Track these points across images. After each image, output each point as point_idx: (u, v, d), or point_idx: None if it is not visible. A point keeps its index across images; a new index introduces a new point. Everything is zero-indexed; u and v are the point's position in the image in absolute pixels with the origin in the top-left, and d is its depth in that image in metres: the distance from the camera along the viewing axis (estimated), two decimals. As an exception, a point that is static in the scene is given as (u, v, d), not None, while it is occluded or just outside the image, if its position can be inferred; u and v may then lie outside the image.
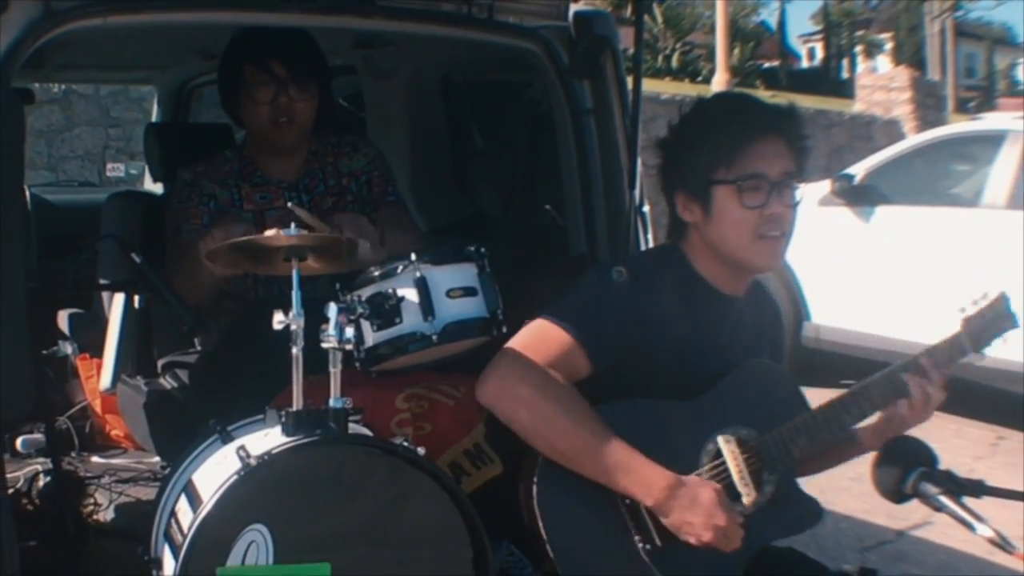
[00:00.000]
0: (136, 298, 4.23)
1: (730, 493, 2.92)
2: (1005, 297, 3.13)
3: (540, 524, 2.84)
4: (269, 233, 3.01)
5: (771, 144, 2.95)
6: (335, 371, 2.84)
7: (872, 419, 3.11)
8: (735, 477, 2.93)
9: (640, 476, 2.78)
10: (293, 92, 3.93)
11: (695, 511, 2.77)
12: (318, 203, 4.04)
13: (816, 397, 3.11)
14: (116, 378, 4.27)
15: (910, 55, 46.32)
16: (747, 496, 2.93)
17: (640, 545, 2.86)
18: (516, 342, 2.90)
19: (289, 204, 3.64)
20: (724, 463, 2.93)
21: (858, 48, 55.45)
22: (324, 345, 2.86)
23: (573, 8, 4.13)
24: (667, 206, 3.11)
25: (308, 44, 4.04)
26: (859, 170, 10.39)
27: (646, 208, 4.23)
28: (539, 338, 2.88)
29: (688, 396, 2.98)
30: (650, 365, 2.97)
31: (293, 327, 2.83)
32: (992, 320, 3.11)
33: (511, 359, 2.84)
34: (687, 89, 21.26)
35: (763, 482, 2.97)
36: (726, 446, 2.94)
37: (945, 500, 2.66)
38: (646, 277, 3.02)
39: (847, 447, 3.20)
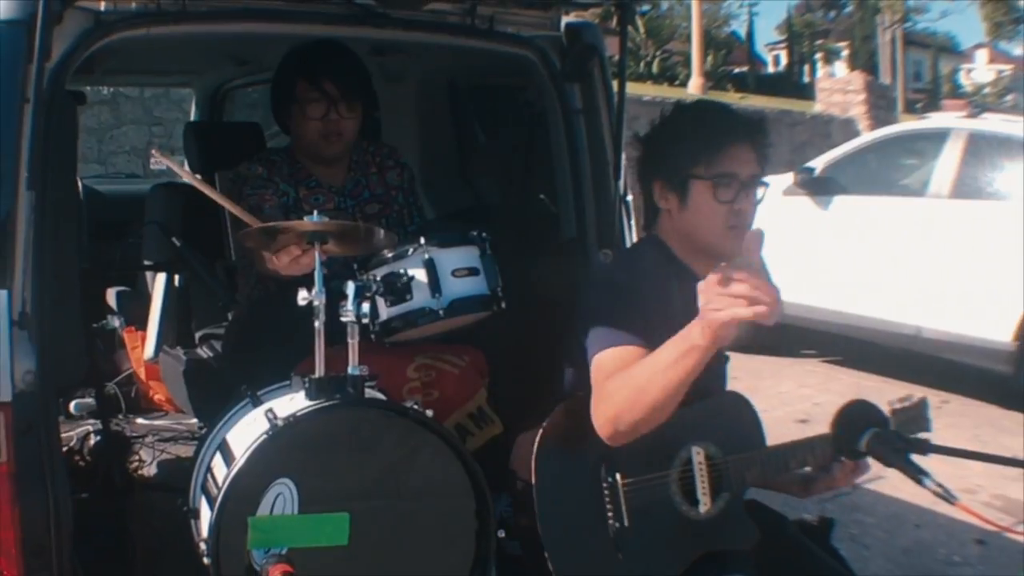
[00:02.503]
0: (176, 277, 4.22)
1: (690, 498, 2.95)
2: (925, 402, 3.11)
3: (534, 489, 2.84)
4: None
5: (743, 149, 2.97)
6: (353, 342, 2.84)
7: (808, 469, 3.14)
8: (699, 484, 2.95)
9: (680, 351, 2.63)
10: (342, 110, 3.88)
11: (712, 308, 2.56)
12: (363, 208, 4.01)
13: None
14: (158, 348, 4.27)
15: (864, 61, 46.18)
16: (704, 504, 2.95)
17: (610, 523, 2.87)
18: (596, 383, 2.84)
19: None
20: (692, 470, 2.95)
21: (818, 55, 55.31)
22: (343, 319, 2.85)
23: (564, 20, 4.12)
24: (642, 193, 3.12)
25: (356, 63, 3.99)
26: (819, 164, 10.41)
27: (629, 197, 4.22)
28: (608, 370, 2.82)
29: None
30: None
31: (315, 303, 2.82)
32: (913, 418, 3.07)
33: (601, 404, 2.79)
34: (666, 92, 21.21)
35: (719, 496, 2.97)
36: (697, 456, 2.95)
37: (895, 457, 2.66)
38: (639, 266, 3.02)
39: (789, 485, 3.23)
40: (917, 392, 3.18)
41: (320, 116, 3.86)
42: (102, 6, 3.27)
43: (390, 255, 3.21)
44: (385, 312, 3.19)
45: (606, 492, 2.88)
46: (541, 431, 2.89)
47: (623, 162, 4.07)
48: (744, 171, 2.96)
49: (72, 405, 5.42)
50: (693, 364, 2.62)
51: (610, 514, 2.87)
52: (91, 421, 5.16)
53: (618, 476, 2.87)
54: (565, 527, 2.86)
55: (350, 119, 3.92)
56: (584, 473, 2.88)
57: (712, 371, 3.13)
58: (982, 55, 65.94)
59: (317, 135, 3.89)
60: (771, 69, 56.17)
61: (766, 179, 3.03)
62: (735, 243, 2.96)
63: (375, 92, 4.08)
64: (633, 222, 4.24)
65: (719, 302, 2.49)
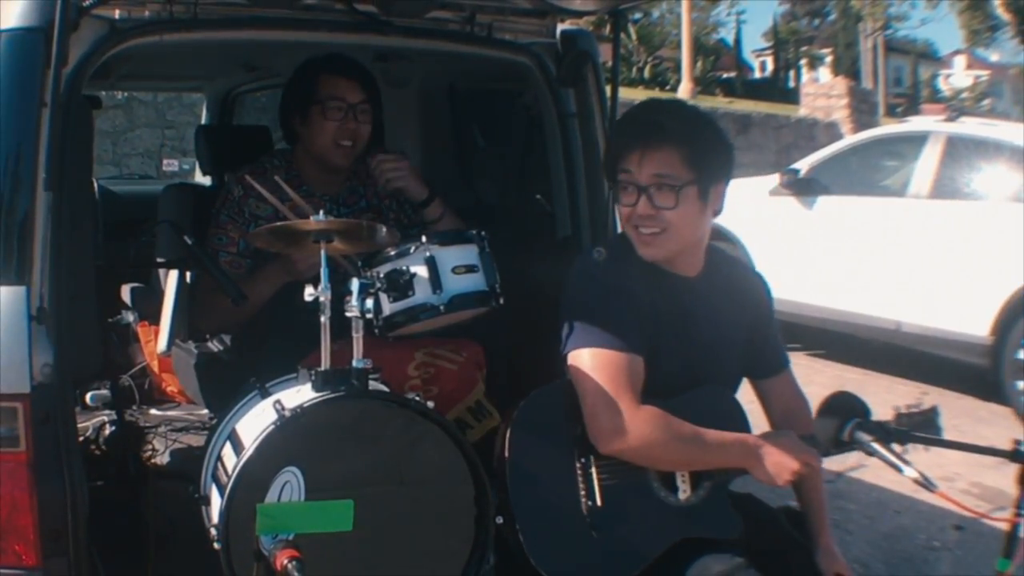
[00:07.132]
0: (188, 274, 4.21)
1: (669, 484, 2.94)
2: (936, 410, 3.00)
3: (506, 469, 2.86)
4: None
5: (637, 152, 2.90)
6: (357, 336, 2.83)
7: None
8: (678, 472, 2.96)
9: (735, 459, 2.92)
10: (360, 116, 3.86)
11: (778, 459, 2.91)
12: (357, 216, 3.92)
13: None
14: (171, 342, 4.25)
15: (847, 67, 46.17)
16: (683, 492, 2.95)
17: (583, 502, 2.86)
18: (591, 386, 2.84)
19: None
20: None
21: (803, 61, 55.31)
22: (347, 314, 2.85)
23: (560, 28, 4.12)
24: None
25: (369, 73, 3.97)
26: (803, 165, 10.43)
27: (622, 197, 4.23)
28: (601, 372, 2.83)
29: (668, 391, 2.95)
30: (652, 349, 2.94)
31: (321, 299, 2.82)
32: (920, 424, 2.90)
33: (607, 410, 2.81)
34: (657, 96, 21.19)
35: (700, 485, 2.96)
36: None
37: (877, 446, 2.66)
38: (620, 264, 3.00)
39: None
40: (898, 385, 3.18)
41: (338, 120, 3.83)
42: (117, 14, 3.28)
43: (393, 253, 3.21)
44: (388, 308, 3.18)
45: (579, 472, 2.88)
46: (516, 411, 2.90)
47: (616, 163, 4.07)
48: (641, 175, 2.89)
49: (88, 396, 5.42)
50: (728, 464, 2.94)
51: (583, 493, 2.87)
52: (106, 412, 5.16)
53: (592, 457, 2.87)
54: (537, 504, 2.87)
55: (365, 124, 3.89)
56: (557, 453, 2.89)
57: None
58: (960, 61, 65.91)
59: (331, 142, 3.84)
60: (758, 74, 56.15)
61: (682, 181, 2.88)
62: (642, 245, 2.96)
63: (380, 102, 4.07)
64: (625, 221, 4.24)
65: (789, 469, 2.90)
